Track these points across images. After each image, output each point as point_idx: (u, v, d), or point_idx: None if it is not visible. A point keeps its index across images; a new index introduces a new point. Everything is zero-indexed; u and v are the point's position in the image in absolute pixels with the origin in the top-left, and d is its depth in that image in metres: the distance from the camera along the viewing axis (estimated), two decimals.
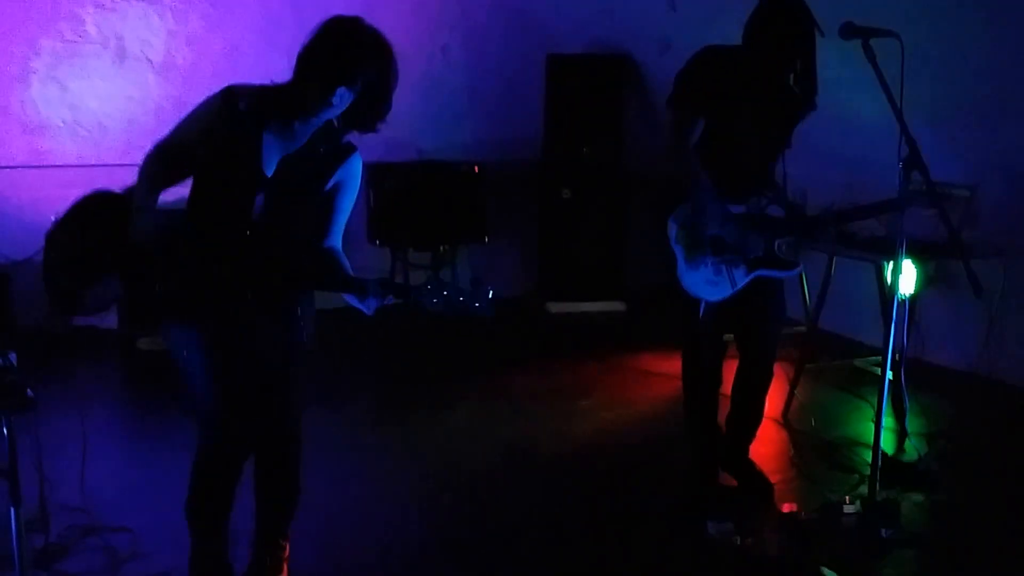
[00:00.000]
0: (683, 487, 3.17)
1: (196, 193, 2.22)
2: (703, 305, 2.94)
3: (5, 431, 2.22)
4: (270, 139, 2.16)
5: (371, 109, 2.15)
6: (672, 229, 2.93)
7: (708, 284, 2.91)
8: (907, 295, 3.67)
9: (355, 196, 2.31)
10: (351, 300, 2.15)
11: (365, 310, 2.13)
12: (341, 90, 2.07)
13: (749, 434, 3.21)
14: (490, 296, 2.00)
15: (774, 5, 2.84)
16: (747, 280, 2.91)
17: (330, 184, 2.24)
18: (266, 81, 2.19)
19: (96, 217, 2.29)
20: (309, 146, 2.20)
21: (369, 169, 5.20)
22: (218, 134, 2.14)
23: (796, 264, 2.99)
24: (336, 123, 2.18)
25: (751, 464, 3.21)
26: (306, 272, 2.24)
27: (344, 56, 2.07)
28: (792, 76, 2.92)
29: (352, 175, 2.27)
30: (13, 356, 2.38)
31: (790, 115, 2.98)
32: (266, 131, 2.15)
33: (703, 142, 2.93)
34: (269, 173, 2.16)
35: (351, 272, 2.24)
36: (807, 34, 2.85)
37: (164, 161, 2.24)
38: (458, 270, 5.53)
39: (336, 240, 2.30)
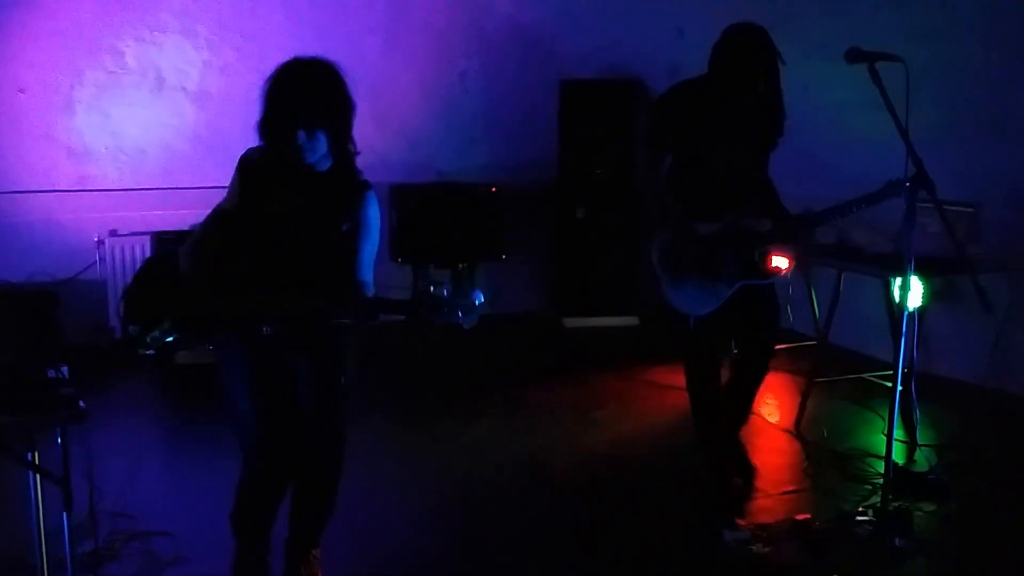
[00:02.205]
0: (699, 494, 3.26)
1: (227, 236, 2.36)
2: (692, 319, 3.07)
3: (59, 441, 2.33)
4: (282, 184, 2.28)
5: (341, 130, 2.25)
6: (654, 254, 3.05)
7: (694, 300, 3.04)
8: (915, 309, 3.75)
9: (375, 237, 2.33)
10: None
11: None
12: (299, 134, 2.16)
13: (741, 420, 3.36)
14: (477, 304, 2.03)
15: (734, 34, 2.98)
16: (731, 292, 3.02)
17: (345, 225, 2.29)
18: None
19: (150, 273, 2.45)
20: (320, 187, 2.28)
21: (391, 190, 5.37)
22: (237, 191, 2.32)
23: (777, 271, 3.11)
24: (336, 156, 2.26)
25: (740, 446, 3.37)
26: (318, 305, 2.26)
27: (282, 108, 2.16)
28: (759, 102, 3.04)
29: (366, 217, 2.29)
30: (65, 370, 2.49)
31: (760, 137, 3.10)
32: (278, 177, 2.28)
33: (677, 169, 3.06)
34: (282, 214, 2.28)
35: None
36: (768, 60, 2.97)
37: (215, 225, 2.38)
38: (477, 286, 5.65)
39: (364, 276, 2.30)
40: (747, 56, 2.95)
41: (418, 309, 2.06)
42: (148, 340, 2.32)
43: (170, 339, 2.30)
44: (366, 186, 2.33)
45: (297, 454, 2.44)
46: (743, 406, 3.38)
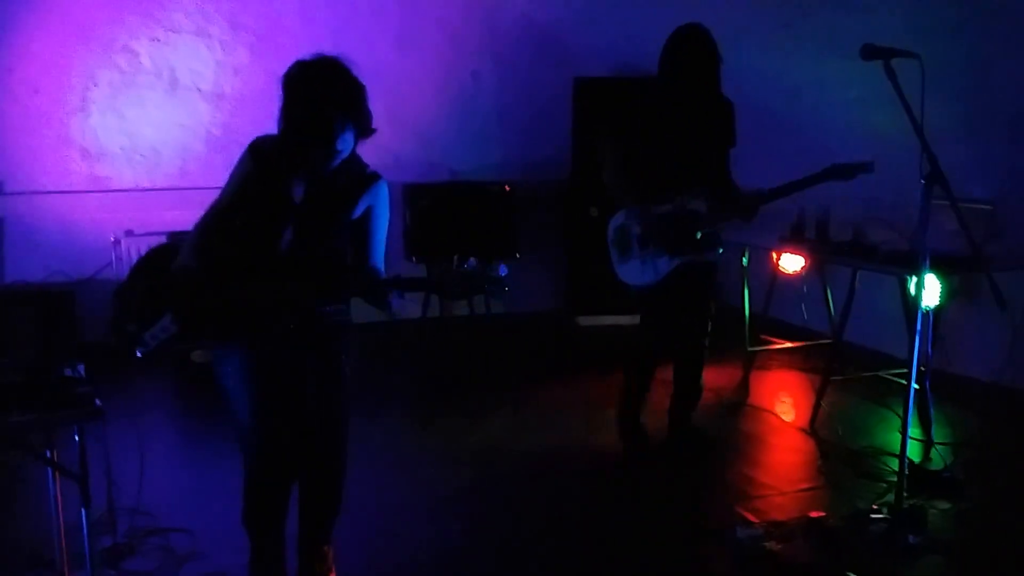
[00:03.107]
0: (715, 490, 3.29)
1: (231, 225, 2.34)
2: (634, 290, 3.51)
3: (77, 438, 2.35)
4: (297, 174, 2.29)
5: (365, 123, 2.27)
6: (609, 233, 3.51)
7: (637, 273, 3.45)
8: (931, 307, 3.73)
9: (386, 221, 2.39)
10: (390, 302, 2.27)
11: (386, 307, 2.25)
12: (336, 145, 2.18)
13: (690, 406, 3.72)
14: (503, 275, 2.11)
15: (679, 38, 3.31)
16: (671, 267, 3.38)
17: (359, 211, 2.34)
18: None
19: (150, 269, 2.41)
20: (334, 176, 2.31)
21: (405, 189, 5.39)
22: (251, 178, 2.30)
23: (716, 247, 3.45)
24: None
25: (694, 430, 3.76)
26: (333, 286, 2.31)
27: (317, 117, 2.15)
28: (709, 100, 3.38)
29: (380, 200, 2.37)
30: (82, 368, 2.52)
31: (712, 133, 3.42)
32: (292, 166, 2.29)
33: (637, 159, 3.40)
34: (297, 201, 2.29)
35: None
36: (710, 59, 3.28)
37: (216, 224, 2.35)
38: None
39: (377, 262, 2.37)
40: (696, 54, 3.27)
41: (445, 285, 2.13)
42: (147, 338, 2.28)
43: (169, 335, 2.27)
44: (377, 176, 2.38)
45: (298, 452, 2.45)
46: (690, 390, 3.71)
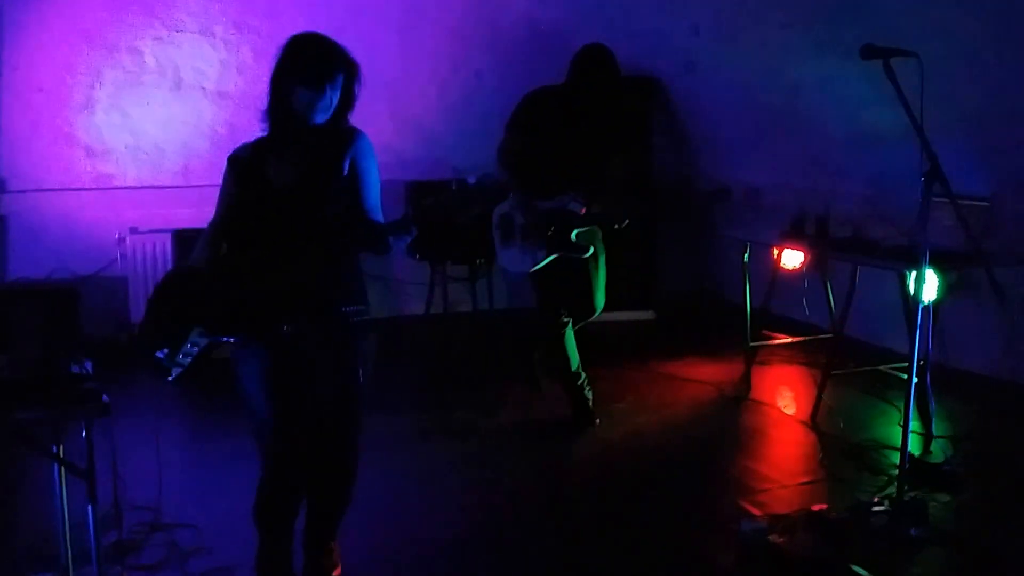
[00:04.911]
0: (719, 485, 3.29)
1: (232, 228, 2.41)
2: (512, 275, 3.75)
3: (84, 435, 2.37)
4: (277, 159, 2.34)
5: (347, 98, 2.34)
6: (494, 218, 3.76)
7: (516, 261, 3.74)
8: (930, 302, 3.75)
9: (374, 170, 2.41)
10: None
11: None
12: (325, 85, 2.26)
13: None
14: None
15: (583, 54, 3.71)
16: (547, 260, 3.66)
17: (347, 166, 2.35)
18: None
19: (167, 294, 2.41)
20: (318, 140, 2.34)
21: (408, 187, 5.40)
22: (236, 182, 2.37)
23: (586, 249, 3.72)
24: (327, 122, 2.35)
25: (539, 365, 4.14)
26: (346, 242, 2.36)
27: (289, 62, 2.28)
28: (603, 109, 3.69)
29: (361, 150, 2.38)
30: (89, 364, 2.53)
31: (601, 138, 3.70)
32: (271, 154, 2.34)
33: (530, 154, 3.68)
34: (288, 179, 2.32)
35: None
36: (609, 75, 3.65)
37: (219, 233, 2.43)
38: (494, 282, 5.69)
39: (373, 214, 2.38)
40: (590, 72, 3.63)
41: (449, 206, 2.33)
42: (180, 358, 2.31)
43: (201, 348, 2.31)
44: (356, 129, 2.40)
45: (313, 451, 2.47)
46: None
